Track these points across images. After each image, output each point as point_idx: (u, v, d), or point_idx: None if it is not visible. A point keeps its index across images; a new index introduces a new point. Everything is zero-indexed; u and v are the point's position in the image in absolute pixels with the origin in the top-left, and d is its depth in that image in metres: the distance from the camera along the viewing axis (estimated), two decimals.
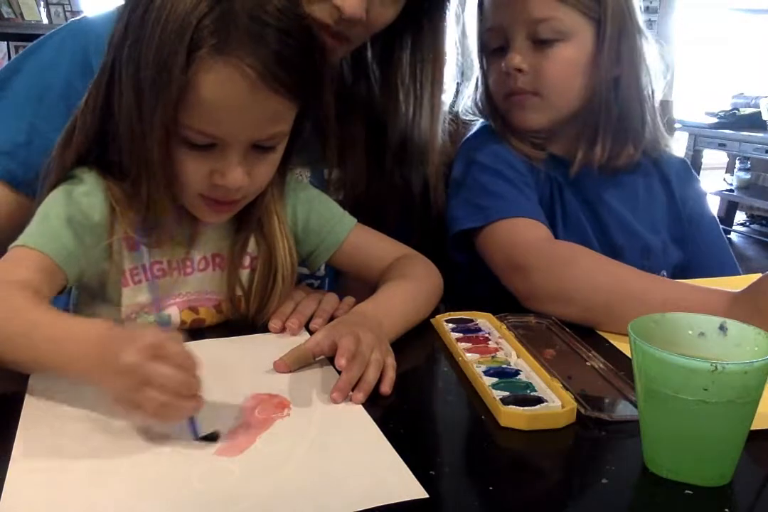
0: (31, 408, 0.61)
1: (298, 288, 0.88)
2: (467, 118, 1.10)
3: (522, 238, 0.91)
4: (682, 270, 1.06)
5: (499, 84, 1.00)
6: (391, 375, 0.66)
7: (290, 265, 0.83)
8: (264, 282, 0.83)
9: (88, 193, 0.75)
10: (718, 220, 1.15)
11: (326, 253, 0.87)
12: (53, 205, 0.75)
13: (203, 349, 0.68)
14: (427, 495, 0.49)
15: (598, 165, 1.01)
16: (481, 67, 1.05)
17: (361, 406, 0.62)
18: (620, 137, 1.00)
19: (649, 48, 1.00)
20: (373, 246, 0.89)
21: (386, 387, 0.65)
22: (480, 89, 1.07)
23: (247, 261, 0.83)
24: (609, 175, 1.02)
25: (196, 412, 0.56)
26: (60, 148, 0.77)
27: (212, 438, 0.56)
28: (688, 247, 1.07)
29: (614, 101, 0.98)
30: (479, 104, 1.08)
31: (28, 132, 0.88)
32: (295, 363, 0.70)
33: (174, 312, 0.81)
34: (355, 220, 0.89)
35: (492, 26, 0.98)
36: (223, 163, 0.71)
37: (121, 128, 0.71)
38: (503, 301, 0.88)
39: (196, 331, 0.80)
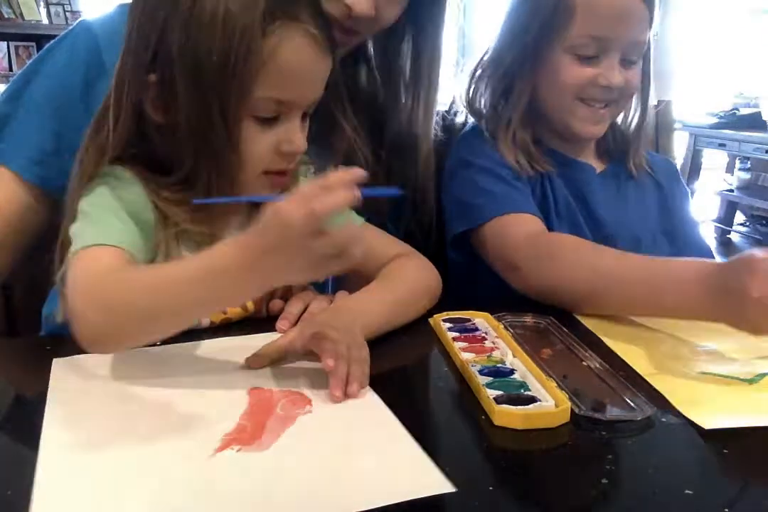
0: (55, 402, 0.63)
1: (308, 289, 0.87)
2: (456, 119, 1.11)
3: (512, 235, 0.93)
4: None
5: (578, 88, 0.99)
6: (365, 371, 0.66)
7: None
8: None
9: (129, 190, 0.74)
10: (699, 225, 1.19)
11: None
12: (102, 201, 0.73)
13: (222, 345, 0.69)
14: (454, 489, 0.49)
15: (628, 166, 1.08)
16: (543, 65, 1.01)
17: (382, 402, 0.62)
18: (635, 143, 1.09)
19: None
20: (376, 245, 0.88)
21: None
22: (519, 93, 1.03)
23: None
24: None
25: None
26: (86, 149, 0.76)
27: None
28: (676, 240, 1.09)
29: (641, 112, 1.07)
30: (493, 105, 1.07)
31: (55, 139, 0.87)
32: (267, 360, 0.70)
33: None
34: (362, 219, 0.88)
35: (596, 35, 0.96)
36: (288, 131, 0.74)
37: (181, 120, 0.71)
38: (503, 300, 0.89)
39: (222, 327, 0.80)
